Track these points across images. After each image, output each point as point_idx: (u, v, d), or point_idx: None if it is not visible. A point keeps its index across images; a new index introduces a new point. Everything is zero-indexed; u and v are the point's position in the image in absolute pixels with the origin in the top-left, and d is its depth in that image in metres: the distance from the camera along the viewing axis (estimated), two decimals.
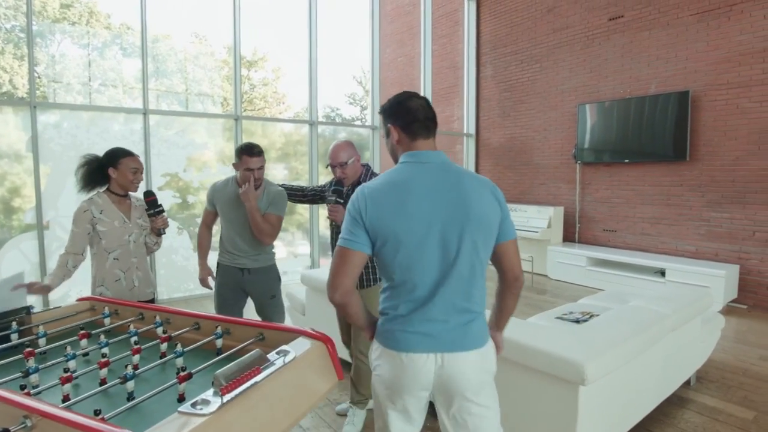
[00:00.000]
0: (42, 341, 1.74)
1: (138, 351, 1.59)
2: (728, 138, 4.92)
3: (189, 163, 5.21)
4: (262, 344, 1.71)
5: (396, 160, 1.57)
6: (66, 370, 1.39)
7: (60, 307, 2.04)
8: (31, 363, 1.50)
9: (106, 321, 1.98)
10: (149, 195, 2.43)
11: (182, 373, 1.38)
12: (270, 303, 2.81)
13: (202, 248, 2.86)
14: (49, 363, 1.50)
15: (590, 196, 6.20)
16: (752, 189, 4.79)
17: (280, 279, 2.89)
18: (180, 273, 5.31)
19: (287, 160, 6.31)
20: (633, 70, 5.65)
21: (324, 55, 6.19)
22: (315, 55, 6.11)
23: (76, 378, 1.42)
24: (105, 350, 1.63)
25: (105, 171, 2.33)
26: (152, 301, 2.53)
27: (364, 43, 6.88)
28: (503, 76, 7.22)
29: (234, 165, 2.66)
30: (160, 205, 2.45)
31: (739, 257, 4.92)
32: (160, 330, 1.84)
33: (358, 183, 2.48)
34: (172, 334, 1.74)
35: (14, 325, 1.80)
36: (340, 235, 1.46)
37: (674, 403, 2.85)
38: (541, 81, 6.69)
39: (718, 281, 4.63)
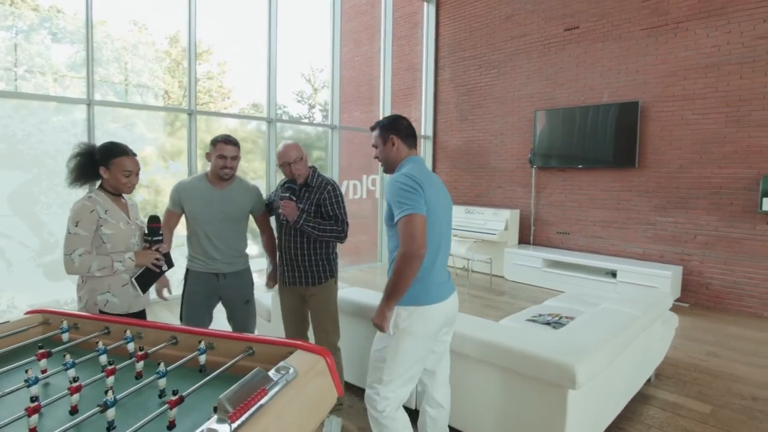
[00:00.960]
0: None
1: (113, 372, 1.40)
2: (673, 147, 5.24)
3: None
4: (253, 359, 1.57)
5: (389, 163, 2.10)
6: (33, 399, 1.19)
7: (7, 321, 1.78)
8: None
9: (65, 337, 1.75)
10: (154, 221, 2.23)
11: (173, 397, 1.22)
12: (243, 308, 2.68)
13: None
14: (7, 390, 1.28)
15: (545, 199, 6.41)
16: (694, 195, 5.13)
17: (253, 283, 2.77)
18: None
19: None
20: (587, 79, 5.90)
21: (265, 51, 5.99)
22: (274, 51, 5.89)
23: (44, 407, 1.23)
24: (72, 372, 1.43)
25: (97, 168, 2.12)
26: (143, 312, 2.32)
27: (318, 41, 6.75)
28: (461, 79, 7.31)
29: (207, 155, 2.53)
30: (161, 234, 2.26)
31: (681, 259, 5.25)
32: (131, 346, 1.65)
33: (306, 184, 2.51)
34: (149, 351, 1.56)
35: None
36: (402, 206, 1.83)
37: (638, 400, 2.95)
38: (498, 86, 6.84)
39: (665, 281, 4.91)
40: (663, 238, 5.38)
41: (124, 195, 2.26)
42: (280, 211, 2.41)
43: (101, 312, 2.11)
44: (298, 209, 2.41)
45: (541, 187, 6.44)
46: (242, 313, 2.68)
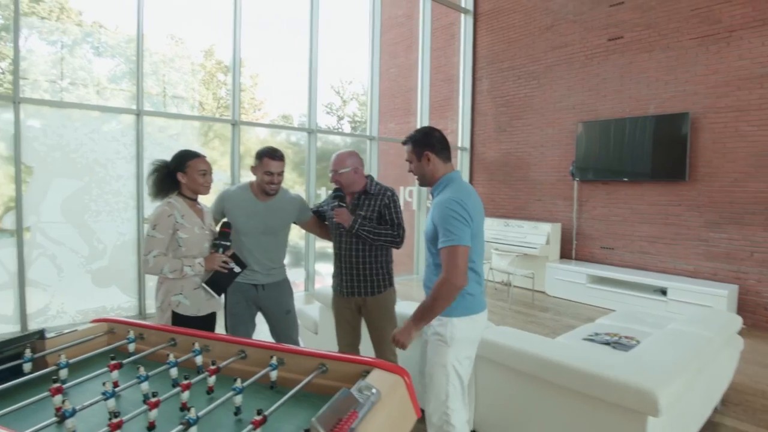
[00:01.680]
0: (63, 373, 1.48)
1: (188, 386, 1.35)
2: (727, 160, 5.02)
3: None
4: (326, 377, 1.51)
5: (425, 179, 2.06)
6: (115, 415, 1.15)
7: (76, 330, 1.77)
8: (61, 402, 1.24)
9: (131, 347, 1.72)
10: (227, 226, 2.32)
11: (257, 417, 1.17)
12: (285, 318, 2.65)
13: None
14: (87, 403, 1.24)
15: (587, 213, 6.22)
16: (750, 210, 4.89)
17: (292, 293, 2.74)
18: None
19: None
20: (632, 90, 5.73)
21: (303, 63, 6.02)
22: (315, 64, 5.94)
23: (126, 422, 1.18)
24: (146, 386, 1.39)
25: (175, 176, 2.23)
26: (213, 315, 2.35)
27: (348, 53, 6.79)
28: (500, 91, 7.22)
29: (252, 168, 2.55)
30: (230, 240, 2.32)
31: (737, 277, 4.99)
32: (199, 359, 1.61)
33: (365, 191, 2.49)
34: (221, 365, 1.51)
35: (28, 352, 1.53)
36: (449, 235, 1.82)
37: (707, 428, 2.76)
38: (538, 97, 6.72)
39: (721, 301, 4.67)
40: (716, 255, 5.13)
41: (200, 202, 2.33)
42: (335, 219, 2.40)
43: (174, 313, 2.18)
44: (353, 215, 2.42)
45: (583, 200, 6.25)
46: (284, 323, 2.64)
